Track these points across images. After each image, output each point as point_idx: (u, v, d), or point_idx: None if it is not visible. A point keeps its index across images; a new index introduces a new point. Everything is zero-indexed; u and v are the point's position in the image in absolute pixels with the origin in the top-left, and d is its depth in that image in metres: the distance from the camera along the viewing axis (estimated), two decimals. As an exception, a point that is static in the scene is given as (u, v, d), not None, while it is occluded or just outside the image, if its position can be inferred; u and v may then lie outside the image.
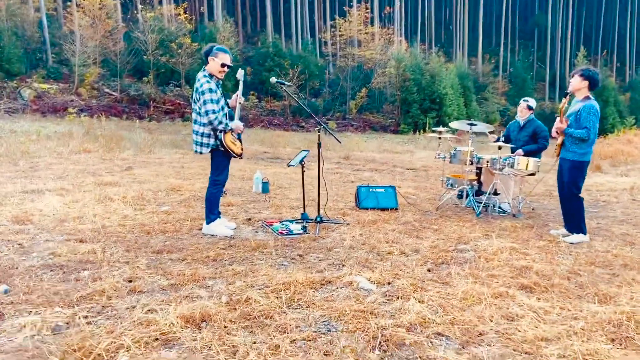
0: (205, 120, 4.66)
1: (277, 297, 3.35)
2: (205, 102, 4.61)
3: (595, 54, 60.38)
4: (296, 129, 27.56)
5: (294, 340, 2.78)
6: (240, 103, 5.12)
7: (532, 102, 6.90)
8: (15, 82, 27.91)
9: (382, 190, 6.53)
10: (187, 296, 3.33)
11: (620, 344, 2.81)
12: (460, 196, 7.15)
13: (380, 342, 2.78)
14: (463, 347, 2.78)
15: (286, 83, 5.31)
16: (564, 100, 5.20)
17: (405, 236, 5.12)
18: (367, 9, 38.68)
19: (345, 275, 3.82)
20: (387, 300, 3.40)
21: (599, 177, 11.09)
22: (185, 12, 34.53)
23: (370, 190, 6.50)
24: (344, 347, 2.73)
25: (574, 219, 5.20)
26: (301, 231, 5.10)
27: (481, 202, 6.65)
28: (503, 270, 4.06)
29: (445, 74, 32.78)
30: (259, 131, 23.99)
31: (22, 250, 4.20)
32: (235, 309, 3.14)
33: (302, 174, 5.63)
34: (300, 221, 5.41)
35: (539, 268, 4.12)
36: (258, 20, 51.60)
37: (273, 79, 5.42)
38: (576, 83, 5.08)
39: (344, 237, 4.98)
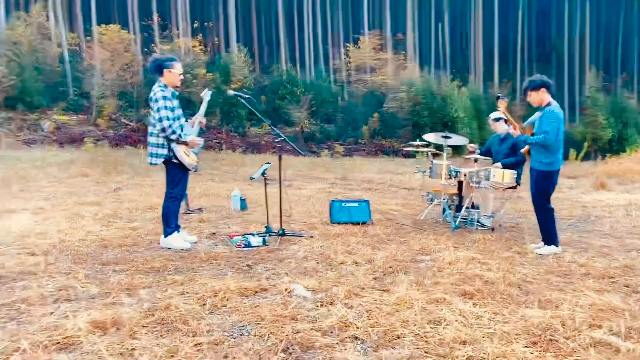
0: (158, 127, 4.66)
1: (202, 304, 3.27)
2: (158, 109, 4.62)
3: (615, 76, 59.54)
4: (307, 154, 27.61)
5: (199, 343, 2.69)
6: (200, 122, 5.12)
7: (495, 114, 6.74)
8: (36, 114, 28.75)
9: (356, 204, 6.42)
10: (110, 303, 3.27)
11: (541, 347, 2.63)
12: (444, 211, 6.99)
13: (287, 346, 2.67)
14: (375, 350, 2.65)
15: (244, 95, 5.32)
16: (501, 102, 5.24)
17: (365, 247, 5.00)
18: (379, 35, 39.03)
19: (283, 284, 3.71)
20: (317, 306, 3.28)
21: (601, 194, 10.75)
22: (200, 44, 35.30)
23: (343, 204, 6.40)
24: (248, 349, 2.62)
25: (544, 230, 5.01)
26: (260, 243, 5.02)
27: (459, 217, 6.47)
28: (451, 278, 3.90)
29: (458, 97, 32.60)
30: (269, 156, 24.10)
31: (-29, 263, 4.22)
32: (153, 315, 3.06)
33: (265, 187, 5.57)
34: (263, 234, 5.33)
35: (490, 276, 3.95)
36: (274, 49, 52.51)
37: (230, 91, 5.46)
38: (535, 97, 4.96)
39: (302, 249, 4.88)
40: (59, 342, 2.67)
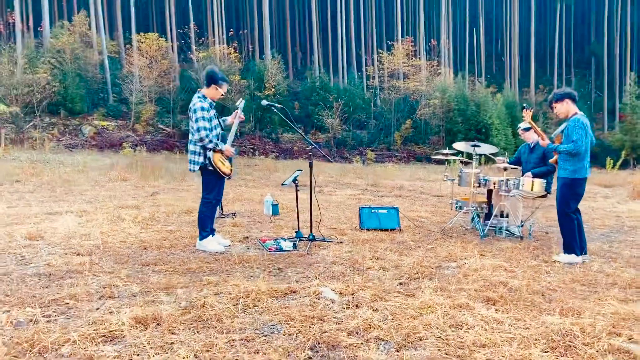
0: (196, 136, 4.92)
1: (235, 304, 3.47)
2: (197, 120, 4.89)
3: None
4: (339, 161, 27.79)
5: (232, 340, 2.88)
6: (240, 117, 5.33)
7: (524, 124, 6.74)
8: (77, 119, 29.85)
9: (385, 211, 6.55)
10: (151, 301, 3.51)
11: (559, 352, 2.72)
12: (473, 219, 7.04)
13: (314, 344, 2.83)
14: (397, 351, 2.79)
15: (277, 105, 5.54)
16: (526, 113, 5.36)
17: (393, 254, 5.12)
18: (412, 41, 38.96)
19: (312, 286, 3.88)
20: (343, 308, 3.43)
21: (637, 204, 10.53)
22: (235, 51, 35.99)
23: (372, 211, 6.53)
24: (278, 346, 2.80)
25: (565, 238, 5.04)
26: (291, 248, 5.21)
27: (488, 225, 6.52)
28: (475, 285, 4.00)
29: (492, 104, 32.26)
30: (301, 162, 24.38)
31: (22, 261, 4.54)
32: (190, 313, 3.28)
33: (296, 193, 5.76)
34: (293, 239, 5.52)
35: (515, 284, 4.03)
36: (308, 56, 53.03)
37: (264, 102, 5.68)
38: (560, 108, 5.08)
39: (331, 254, 5.04)
40: (104, 335, 2.90)
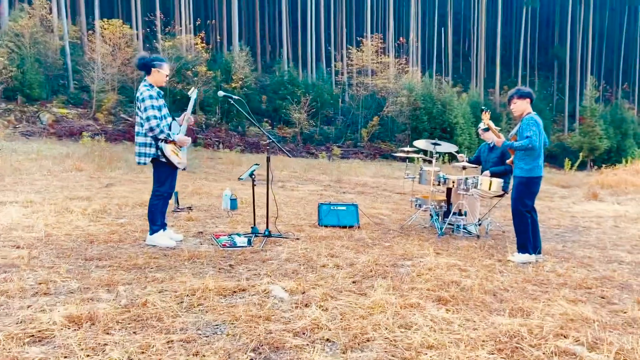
0: (146, 126, 4.70)
1: (179, 302, 3.31)
2: (145, 109, 4.67)
3: (617, 86, 59.74)
4: (305, 156, 27.64)
5: (171, 340, 2.74)
6: (187, 120, 5.08)
7: (483, 125, 6.79)
8: (35, 106, 28.75)
9: (344, 208, 6.47)
10: (89, 299, 3.32)
11: (506, 354, 2.68)
12: (432, 217, 7.04)
13: (257, 345, 2.71)
14: (343, 352, 2.70)
15: (234, 96, 5.37)
16: (484, 114, 5.41)
17: (349, 251, 5.04)
18: (381, 39, 39.10)
19: (262, 284, 3.76)
20: (292, 307, 3.33)
21: (592, 204, 10.80)
22: (202, 41, 35.36)
23: (332, 208, 6.45)
24: (219, 348, 2.67)
25: (519, 237, 5.07)
26: (245, 244, 5.07)
27: (446, 223, 6.52)
28: (428, 284, 3.95)
29: (457, 104, 32.68)
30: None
31: (-45, 253, 4.26)
32: (129, 311, 3.11)
33: (253, 187, 5.62)
34: (249, 235, 5.38)
35: (468, 283, 4.00)
36: (277, 49, 52.62)
37: (220, 92, 5.50)
38: (520, 105, 5.11)
39: (286, 251, 4.93)
40: (32, 335, 2.72)
